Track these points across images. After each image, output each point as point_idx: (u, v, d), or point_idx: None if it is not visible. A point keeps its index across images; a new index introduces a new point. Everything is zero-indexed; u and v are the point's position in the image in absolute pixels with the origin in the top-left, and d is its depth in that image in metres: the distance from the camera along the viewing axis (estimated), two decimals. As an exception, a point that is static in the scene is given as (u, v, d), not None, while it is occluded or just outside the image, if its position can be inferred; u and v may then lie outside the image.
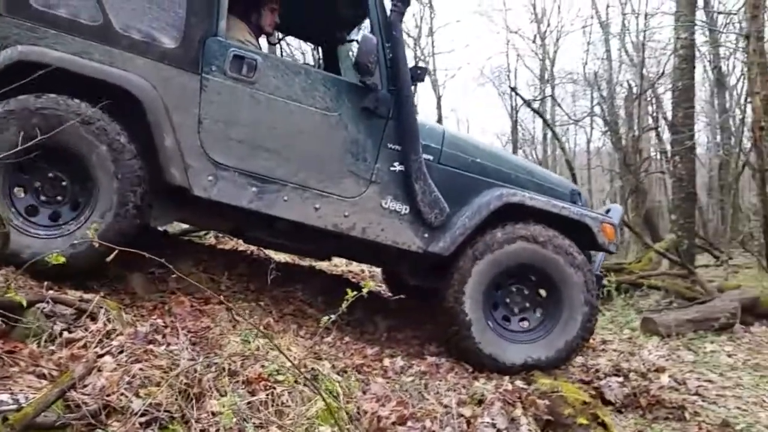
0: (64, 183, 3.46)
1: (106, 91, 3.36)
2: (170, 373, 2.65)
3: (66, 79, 3.31)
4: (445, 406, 2.97)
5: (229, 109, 3.57)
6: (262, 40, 4.35)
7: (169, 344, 2.98)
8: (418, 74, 3.93)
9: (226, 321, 3.44)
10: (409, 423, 2.87)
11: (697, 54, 16.40)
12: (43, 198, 3.44)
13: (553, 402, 3.11)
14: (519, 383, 3.33)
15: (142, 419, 2.36)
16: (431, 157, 3.92)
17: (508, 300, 4.07)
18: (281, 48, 5.69)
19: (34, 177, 3.42)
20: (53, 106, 3.29)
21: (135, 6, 3.47)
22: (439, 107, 21.79)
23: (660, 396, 4.30)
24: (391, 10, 3.83)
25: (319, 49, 5.25)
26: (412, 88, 3.88)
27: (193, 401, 2.60)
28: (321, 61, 5.18)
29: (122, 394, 2.46)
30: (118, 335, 2.91)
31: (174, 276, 3.78)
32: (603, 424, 3.11)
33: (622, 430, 3.61)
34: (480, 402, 3.05)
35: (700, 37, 16.31)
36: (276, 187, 3.66)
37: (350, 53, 4.93)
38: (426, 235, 3.89)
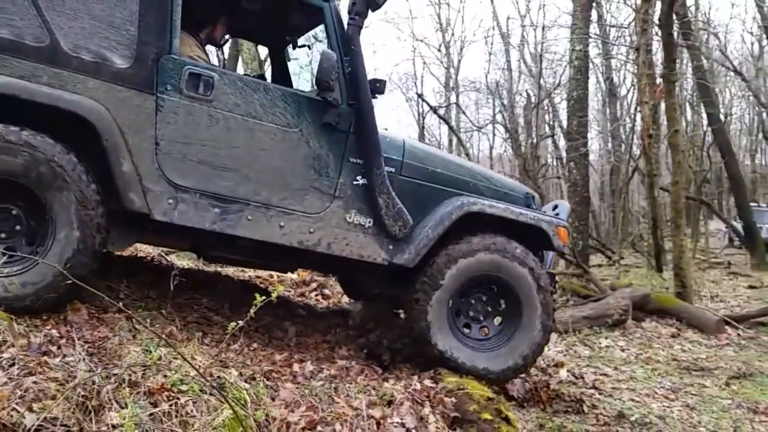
0: (17, 217, 3.28)
1: (56, 116, 3.20)
2: (66, 386, 2.52)
3: (7, 103, 3.12)
4: (356, 409, 2.97)
5: (187, 129, 3.45)
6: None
7: (64, 355, 2.83)
8: (377, 87, 3.89)
9: (126, 330, 3.30)
10: (319, 427, 2.85)
11: (591, 65, 17.28)
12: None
13: (459, 399, 3.18)
14: (427, 382, 3.38)
15: (36, 435, 2.23)
16: (393, 169, 3.92)
17: (470, 309, 4.12)
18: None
19: None
20: (39, 144, 3.14)
21: (84, 25, 3.28)
22: (346, 112, 21.80)
23: (559, 390, 4.49)
24: (348, 24, 3.81)
25: (221, 46, 5.12)
26: (372, 101, 3.85)
27: (92, 414, 2.48)
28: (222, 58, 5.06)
29: (14, 409, 2.32)
30: (9, 347, 2.74)
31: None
32: (506, 419, 3.21)
33: (525, 424, 3.73)
34: (390, 402, 3.07)
35: (594, 50, 17.19)
36: (239, 207, 3.58)
37: (304, 57, 4.86)
38: (390, 247, 3.90)
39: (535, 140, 16.95)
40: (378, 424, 2.84)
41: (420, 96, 20.26)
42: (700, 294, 10.18)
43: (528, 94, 19.27)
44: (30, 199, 3.22)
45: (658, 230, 10.98)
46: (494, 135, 25.00)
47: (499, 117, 21.72)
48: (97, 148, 3.27)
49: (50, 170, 3.15)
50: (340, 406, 3.03)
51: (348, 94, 3.77)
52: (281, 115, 3.64)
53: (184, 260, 6.21)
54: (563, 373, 5.07)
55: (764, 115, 25.45)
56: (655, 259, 11.54)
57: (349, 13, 3.81)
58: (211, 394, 2.81)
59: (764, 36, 20.24)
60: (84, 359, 2.84)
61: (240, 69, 13.31)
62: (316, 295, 6.27)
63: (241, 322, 2.58)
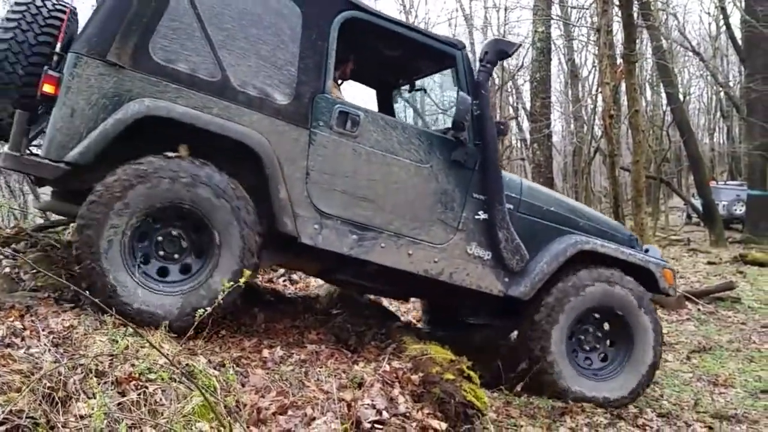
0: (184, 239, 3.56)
1: (219, 143, 3.49)
2: (31, 378, 2.48)
3: (178, 129, 3.41)
4: (326, 392, 2.98)
5: (334, 162, 3.77)
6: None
7: (29, 347, 2.79)
8: (501, 129, 4.22)
9: (92, 320, 3.26)
10: (290, 412, 2.85)
11: (553, 47, 17.41)
12: (161, 255, 3.51)
13: (423, 363, 3.26)
14: (396, 364, 3.42)
15: (2, 428, 2.19)
16: (511, 206, 4.20)
17: (584, 341, 4.41)
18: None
19: (155, 235, 3.49)
20: (213, 184, 3.42)
21: (251, 63, 3.63)
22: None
23: (526, 368, 4.55)
24: (479, 71, 4.14)
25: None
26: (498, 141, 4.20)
27: (59, 405, 2.45)
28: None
29: (-23, 403, 2.27)
30: (-30, 341, 2.68)
31: (32, 272, 3.56)
32: (468, 377, 3.32)
33: (493, 402, 3.80)
34: (360, 385, 3.09)
35: (556, 31, 17.32)
36: (374, 235, 3.88)
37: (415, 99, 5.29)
38: (506, 280, 4.15)
39: (499, 122, 17.00)
40: (349, 406, 2.86)
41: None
42: (661, 271, 10.36)
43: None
44: (196, 224, 3.51)
45: (620, 209, 11.14)
46: (459, 117, 25.01)
47: (463, 99, 21.69)
48: (255, 175, 3.59)
49: (223, 202, 3.44)
50: (311, 390, 3.04)
51: (474, 134, 4.07)
52: (415, 151, 3.96)
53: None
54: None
55: (722, 94, 25.99)
56: (617, 237, 11.71)
57: (481, 61, 4.17)
58: (180, 382, 2.79)
59: (721, 16, 20.62)
60: (49, 350, 2.80)
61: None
62: (284, 281, 6.26)
63: (209, 309, 2.57)
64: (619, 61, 10.69)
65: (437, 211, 4.00)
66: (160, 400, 2.69)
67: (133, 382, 2.71)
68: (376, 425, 2.74)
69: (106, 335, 3.07)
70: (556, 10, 16.32)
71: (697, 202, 17.44)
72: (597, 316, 4.36)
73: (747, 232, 16.00)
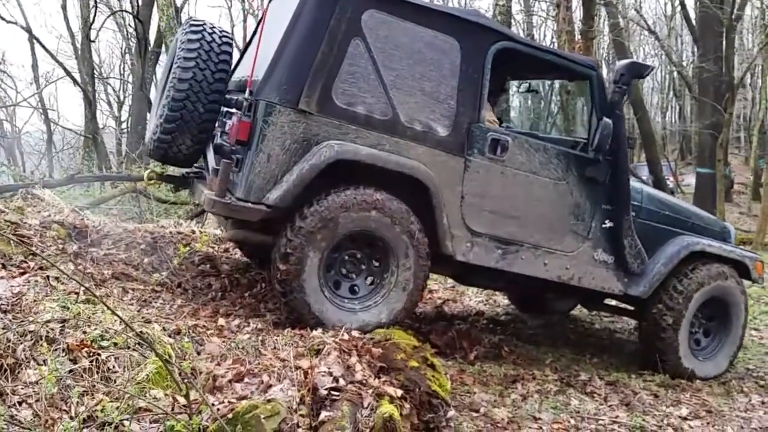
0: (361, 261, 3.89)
1: (390, 175, 3.72)
2: (-22, 344, 2.42)
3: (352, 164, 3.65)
4: (283, 360, 2.98)
5: (484, 185, 4.03)
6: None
7: (-26, 313, 2.71)
8: (630, 144, 4.65)
9: (42, 286, 3.19)
10: (247, 379, 2.85)
11: (513, 22, 17.45)
12: (343, 272, 3.86)
13: (387, 349, 3.25)
14: (355, 333, 3.43)
15: (-53, 395, 2.14)
16: (633, 214, 4.51)
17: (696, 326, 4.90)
18: None
19: (341, 259, 3.83)
20: (399, 215, 3.74)
21: (417, 100, 3.85)
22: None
23: (480, 337, 4.65)
24: (614, 91, 4.35)
25: None
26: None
27: (8, 372, 2.40)
28: None
29: None
30: None
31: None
32: (432, 365, 3.33)
33: (447, 370, 3.86)
34: (317, 353, 3.10)
35: (516, 6, 17.34)
36: (515, 248, 4.17)
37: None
38: (626, 280, 4.52)
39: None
40: (305, 373, 2.86)
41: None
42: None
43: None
44: (375, 249, 3.84)
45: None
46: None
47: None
48: (413, 199, 3.81)
49: (405, 230, 3.76)
50: (268, 358, 3.04)
51: (607, 150, 4.31)
52: (554, 170, 4.22)
53: (99, 215, 5.99)
54: (483, 322, 5.25)
55: (675, 73, 26.51)
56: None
57: (616, 82, 4.36)
58: (134, 350, 2.76)
59: (676, -4, 20.92)
60: (-3, 316, 2.73)
61: (155, 15, 12.76)
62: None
63: (164, 273, 2.53)
64: (578, 37, 10.79)
65: (570, 222, 4.31)
66: (113, 367, 2.66)
67: (85, 348, 2.67)
68: (332, 392, 2.75)
69: (56, 301, 3.01)
70: (517, -16, 16.33)
71: (649, 179, 17.87)
72: (705, 305, 4.79)
73: (694, 209, 16.44)
